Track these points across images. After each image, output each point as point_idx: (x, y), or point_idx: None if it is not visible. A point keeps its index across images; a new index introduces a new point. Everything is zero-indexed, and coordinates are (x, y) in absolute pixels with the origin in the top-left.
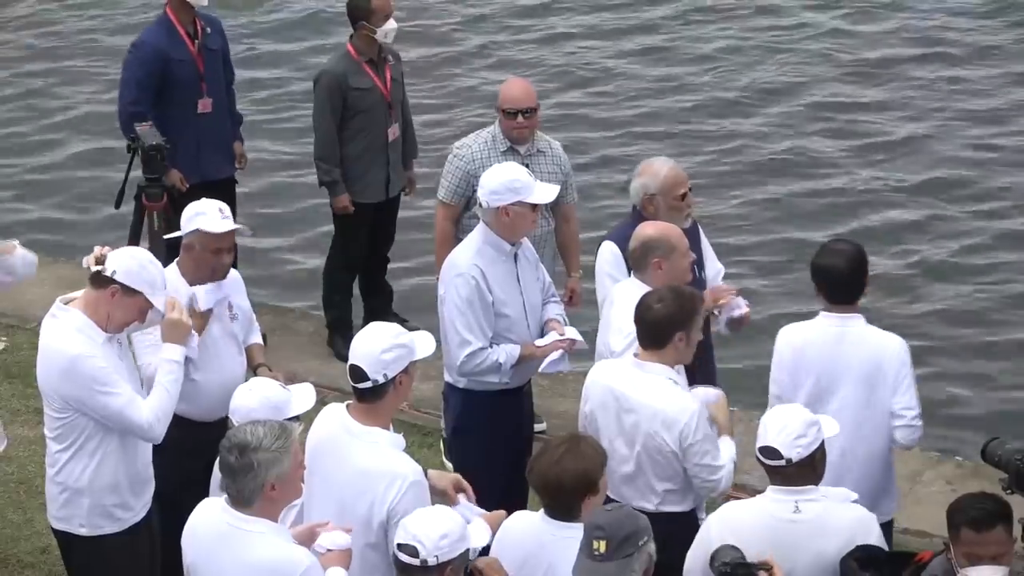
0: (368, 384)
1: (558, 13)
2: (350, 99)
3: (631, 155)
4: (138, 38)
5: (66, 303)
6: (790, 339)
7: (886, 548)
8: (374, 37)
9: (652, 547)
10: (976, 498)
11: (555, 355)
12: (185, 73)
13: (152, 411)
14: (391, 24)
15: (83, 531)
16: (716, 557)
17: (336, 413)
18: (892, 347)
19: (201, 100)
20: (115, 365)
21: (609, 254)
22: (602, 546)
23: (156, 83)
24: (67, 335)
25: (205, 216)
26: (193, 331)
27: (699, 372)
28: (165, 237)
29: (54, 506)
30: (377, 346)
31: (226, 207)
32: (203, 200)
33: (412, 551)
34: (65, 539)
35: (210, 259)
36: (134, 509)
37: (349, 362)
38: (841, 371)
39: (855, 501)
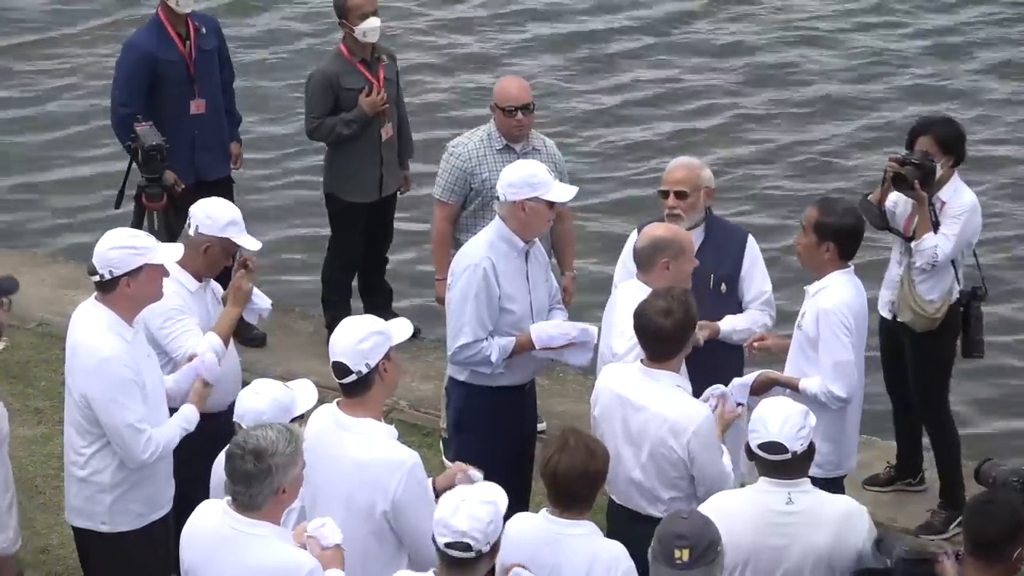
0: (353, 377)
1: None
2: (342, 99)
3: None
4: (128, 40)
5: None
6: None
7: (875, 539)
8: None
9: (724, 551)
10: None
11: (574, 340)
12: (176, 74)
13: (155, 450)
14: (371, 23)
15: (104, 528)
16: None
17: (326, 411)
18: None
19: (194, 101)
20: (143, 367)
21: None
22: (685, 555)
23: (145, 84)
24: (99, 333)
25: (236, 227)
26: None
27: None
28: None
29: (75, 503)
30: (353, 338)
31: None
32: (227, 205)
33: (464, 547)
34: (83, 536)
35: (224, 262)
36: (156, 506)
37: (331, 360)
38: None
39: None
